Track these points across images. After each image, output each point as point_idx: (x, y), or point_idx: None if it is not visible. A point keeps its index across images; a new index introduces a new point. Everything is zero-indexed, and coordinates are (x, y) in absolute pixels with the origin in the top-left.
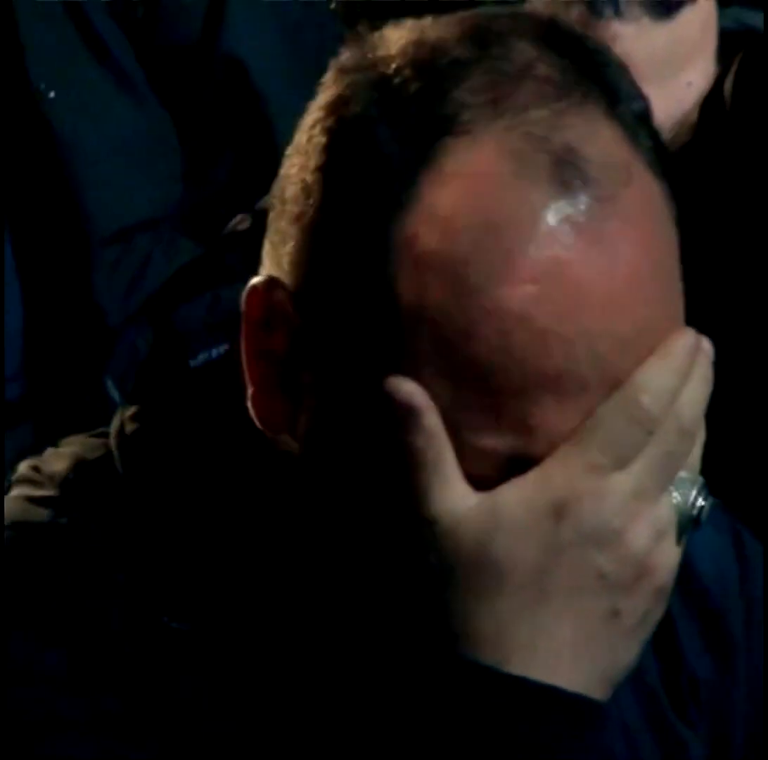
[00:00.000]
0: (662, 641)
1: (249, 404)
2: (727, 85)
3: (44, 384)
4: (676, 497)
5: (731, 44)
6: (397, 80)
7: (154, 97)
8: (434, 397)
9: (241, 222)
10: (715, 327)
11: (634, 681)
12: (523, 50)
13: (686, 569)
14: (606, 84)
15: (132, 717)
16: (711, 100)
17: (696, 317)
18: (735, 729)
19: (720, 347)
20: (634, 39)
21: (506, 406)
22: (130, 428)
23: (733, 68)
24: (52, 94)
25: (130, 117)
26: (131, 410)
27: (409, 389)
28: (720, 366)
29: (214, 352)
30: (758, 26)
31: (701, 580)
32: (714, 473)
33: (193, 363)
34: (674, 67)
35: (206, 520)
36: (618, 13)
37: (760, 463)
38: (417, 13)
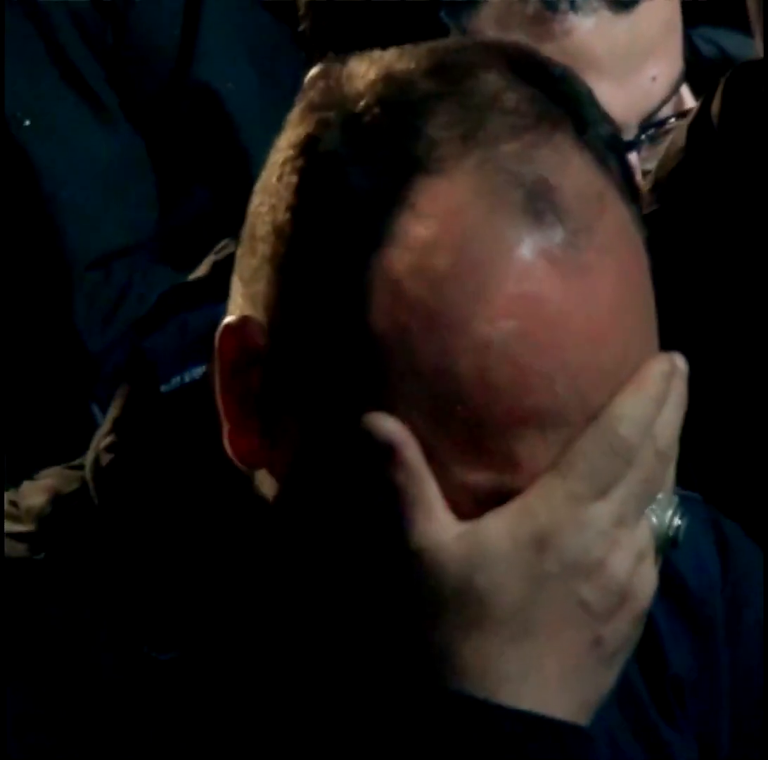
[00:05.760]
0: (644, 641)
1: (225, 441)
2: (715, 107)
3: (17, 416)
4: (653, 519)
5: (712, 71)
6: (366, 118)
7: (127, 124)
8: (415, 431)
9: (226, 247)
10: (704, 350)
11: (616, 684)
12: (491, 82)
13: (665, 565)
14: (574, 111)
15: (118, 752)
16: (698, 124)
17: (683, 341)
18: (721, 731)
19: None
20: (591, 32)
21: (488, 441)
22: (105, 459)
23: (719, 91)
24: (27, 122)
25: (104, 144)
26: (106, 441)
27: (388, 425)
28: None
29: (187, 377)
30: (734, 54)
31: (681, 575)
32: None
33: (166, 388)
34: (636, 61)
35: (183, 551)
36: (574, 6)
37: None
38: (383, 43)
